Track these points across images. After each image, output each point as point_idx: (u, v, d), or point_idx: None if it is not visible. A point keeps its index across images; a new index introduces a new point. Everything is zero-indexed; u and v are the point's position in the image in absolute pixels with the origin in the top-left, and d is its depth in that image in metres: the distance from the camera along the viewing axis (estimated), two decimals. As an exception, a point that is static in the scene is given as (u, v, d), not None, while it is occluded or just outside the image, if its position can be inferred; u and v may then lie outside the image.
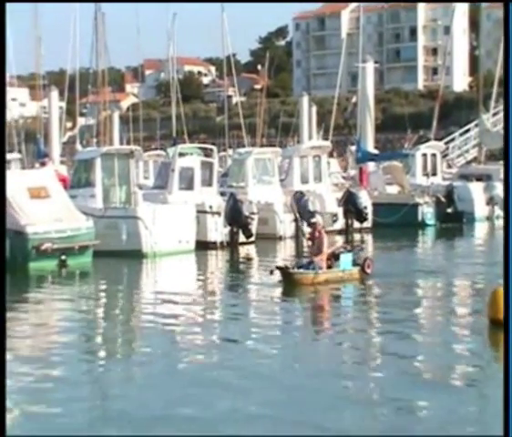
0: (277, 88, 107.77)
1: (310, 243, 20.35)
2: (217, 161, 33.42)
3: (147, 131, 63.81)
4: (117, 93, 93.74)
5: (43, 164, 37.04)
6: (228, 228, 28.81)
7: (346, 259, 19.85)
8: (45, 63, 59.66)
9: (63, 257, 23.77)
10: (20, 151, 41.31)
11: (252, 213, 28.94)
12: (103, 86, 40.70)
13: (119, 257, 25.40)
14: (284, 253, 28.26)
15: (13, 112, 45.81)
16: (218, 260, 27.07)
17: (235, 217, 28.42)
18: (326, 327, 16.23)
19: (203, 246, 27.61)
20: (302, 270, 19.51)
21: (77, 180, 29.33)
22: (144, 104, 72.89)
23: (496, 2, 45.39)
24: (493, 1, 44.67)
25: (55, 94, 46.24)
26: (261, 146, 43.60)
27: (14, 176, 27.30)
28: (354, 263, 20.05)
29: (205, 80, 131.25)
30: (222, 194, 31.13)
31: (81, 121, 52.64)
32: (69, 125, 69.23)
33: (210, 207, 28.74)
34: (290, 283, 19.31)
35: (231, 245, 28.56)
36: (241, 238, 28.92)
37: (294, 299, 18.81)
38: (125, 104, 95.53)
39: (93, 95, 45.52)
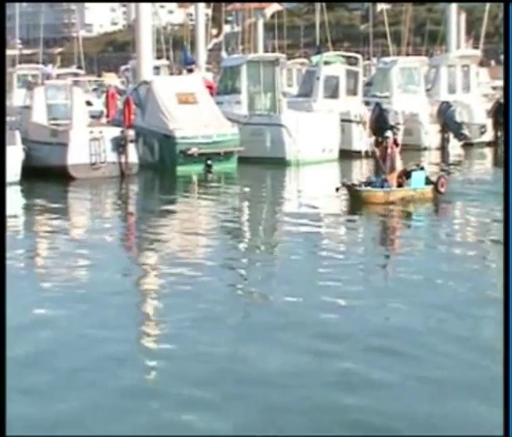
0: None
1: (381, 160, 18.87)
2: (361, 70, 32.95)
3: (290, 39, 63.60)
4: (262, 1, 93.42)
5: (190, 70, 37.66)
6: (373, 138, 28.53)
7: (418, 176, 18.63)
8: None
9: (209, 162, 24.32)
10: (168, 58, 42.14)
11: (398, 123, 28.49)
12: (248, -7, 40.61)
13: (263, 164, 25.72)
14: (429, 164, 27.76)
15: (161, 19, 46.54)
16: (362, 170, 26.93)
17: (380, 126, 28.00)
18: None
19: (347, 155, 27.53)
20: (370, 188, 18.33)
21: (223, 87, 29.72)
22: (288, 11, 72.36)
23: (496, 2, 42.11)
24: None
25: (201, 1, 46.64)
26: (407, 54, 42.51)
27: (163, 81, 28.04)
28: (428, 181, 18.86)
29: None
30: (366, 103, 30.77)
31: (226, 28, 53.01)
32: (215, 32, 69.80)
33: (356, 116, 28.50)
34: (357, 202, 18.18)
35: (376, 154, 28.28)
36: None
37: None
38: (269, 11, 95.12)
39: (238, 2, 45.65)
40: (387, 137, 19.19)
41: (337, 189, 18.51)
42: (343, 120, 27.86)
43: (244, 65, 28.68)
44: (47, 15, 71.77)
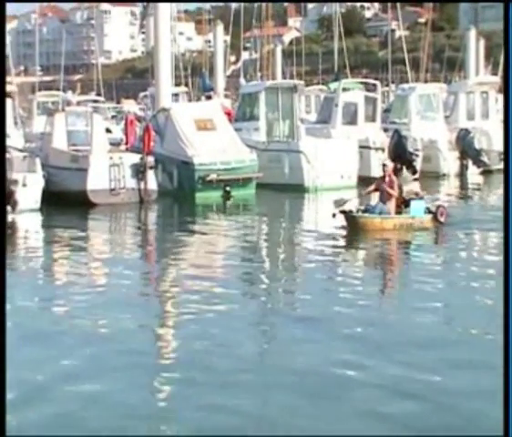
0: (442, 21, 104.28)
1: (378, 191, 18.46)
2: (380, 96, 32.99)
3: (308, 65, 63.78)
4: (280, 27, 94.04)
5: (208, 97, 37.85)
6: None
7: (417, 206, 18.39)
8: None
9: (227, 188, 24.32)
10: (187, 84, 42.32)
11: (417, 150, 28.47)
12: (266, 20, 40.87)
13: (281, 190, 25.72)
14: (448, 191, 27.69)
15: (179, 46, 46.85)
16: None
17: (399, 153, 28.00)
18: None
19: (366, 182, 27.39)
20: (367, 215, 18.16)
21: (242, 114, 29.83)
22: (306, 38, 72.61)
23: (496, 2, 42.15)
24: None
25: (220, 28, 47.00)
26: (425, 81, 42.56)
27: (181, 108, 28.18)
28: (427, 211, 18.62)
29: (368, 14, 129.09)
30: (385, 130, 30.78)
31: (245, 55, 53.24)
32: (233, 59, 70.18)
33: (374, 142, 28.50)
34: (354, 228, 17.92)
35: (394, 182, 28.21)
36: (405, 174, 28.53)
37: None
38: (287, 38, 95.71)
39: (256, 29, 45.89)
40: (385, 166, 18.90)
41: (334, 215, 18.15)
42: (361, 147, 27.86)
43: (262, 91, 28.78)
44: (67, 41, 72.50)
